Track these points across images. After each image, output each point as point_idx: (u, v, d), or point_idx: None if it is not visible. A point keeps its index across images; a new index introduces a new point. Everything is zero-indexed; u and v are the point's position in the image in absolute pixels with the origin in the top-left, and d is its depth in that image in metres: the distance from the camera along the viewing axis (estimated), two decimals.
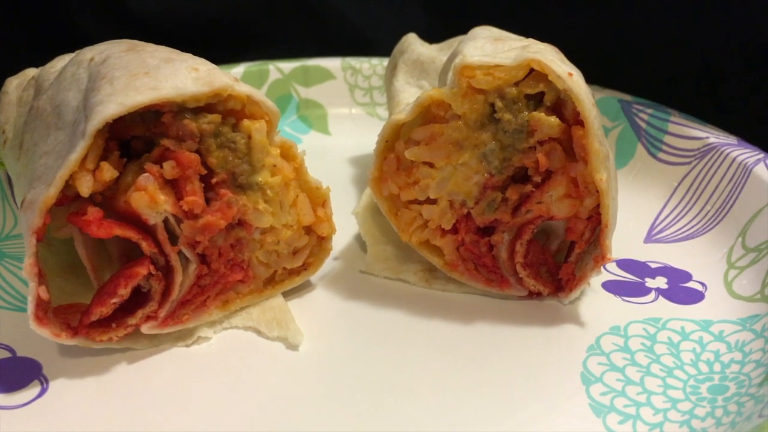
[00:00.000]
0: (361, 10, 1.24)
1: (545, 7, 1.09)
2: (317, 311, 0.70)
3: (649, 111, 0.93)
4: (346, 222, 0.76)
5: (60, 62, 0.72)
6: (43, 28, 1.17)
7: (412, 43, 0.92)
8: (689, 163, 0.87)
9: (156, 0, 1.19)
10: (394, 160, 0.68)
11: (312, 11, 1.24)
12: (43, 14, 1.16)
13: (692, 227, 0.82)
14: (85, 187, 0.56)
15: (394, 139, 0.68)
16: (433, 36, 0.94)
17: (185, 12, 1.21)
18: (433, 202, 0.68)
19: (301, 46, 1.14)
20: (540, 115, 0.62)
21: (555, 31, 0.81)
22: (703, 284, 0.74)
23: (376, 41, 1.17)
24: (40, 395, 0.60)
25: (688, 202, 0.85)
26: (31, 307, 0.57)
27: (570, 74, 0.61)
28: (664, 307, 0.71)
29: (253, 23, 1.24)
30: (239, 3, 1.23)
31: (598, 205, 0.64)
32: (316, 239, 0.70)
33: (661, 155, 0.90)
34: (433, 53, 0.89)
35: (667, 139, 0.90)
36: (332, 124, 1.06)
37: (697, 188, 0.85)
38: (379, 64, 1.08)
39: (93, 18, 1.17)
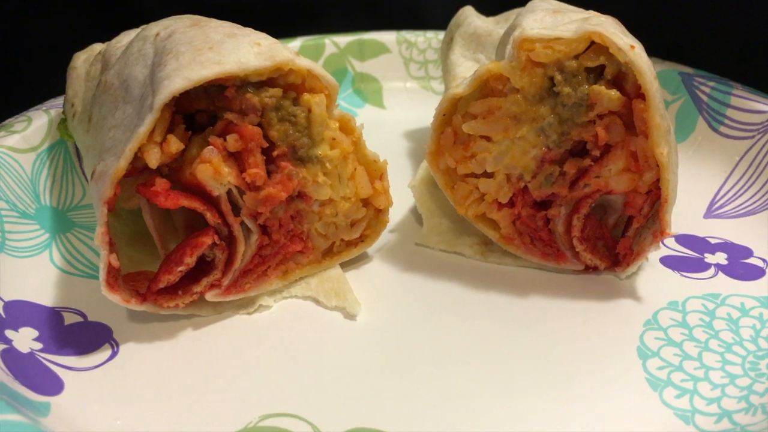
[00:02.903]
0: None
1: None
2: (374, 282, 0.71)
3: (711, 84, 0.90)
4: (402, 195, 0.76)
5: (126, 37, 0.74)
6: (106, 3, 1.19)
7: (469, 16, 0.91)
8: (752, 137, 0.85)
9: None
10: (451, 133, 0.69)
11: None
12: None
13: (754, 202, 0.80)
14: (153, 159, 0.58)
15: (451, 113, 0.68)
16: (489, 8, 0.94)
17: None
18: (490, 175, 0.68)
19: (357, 20, 1.14)
20: (600, 89, 0.62)
21: (615, 1, 0.79)
22: (764, 260, 0.73)
23: (431, 15, 1.17)
24: (110, 358, 0.62)
25: (750, 177, 0.83)
26: (102, 274, 0.59)
27: (632, 47, 0.60)
28: (724, 283, 0.70)
29: None
30: None
31: (658, 180, 0.63)
32: (374, 212, 0.71)
33: (722, 129, 0.88)
34: (490, 26, 0.89)
35: (730, 112, 0.88)
36: (387, 98, 1.07)
37: (759, 163, 0.83)
38: (435, 37, 1.08)
39: None
